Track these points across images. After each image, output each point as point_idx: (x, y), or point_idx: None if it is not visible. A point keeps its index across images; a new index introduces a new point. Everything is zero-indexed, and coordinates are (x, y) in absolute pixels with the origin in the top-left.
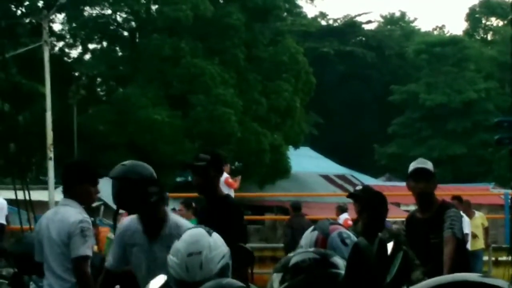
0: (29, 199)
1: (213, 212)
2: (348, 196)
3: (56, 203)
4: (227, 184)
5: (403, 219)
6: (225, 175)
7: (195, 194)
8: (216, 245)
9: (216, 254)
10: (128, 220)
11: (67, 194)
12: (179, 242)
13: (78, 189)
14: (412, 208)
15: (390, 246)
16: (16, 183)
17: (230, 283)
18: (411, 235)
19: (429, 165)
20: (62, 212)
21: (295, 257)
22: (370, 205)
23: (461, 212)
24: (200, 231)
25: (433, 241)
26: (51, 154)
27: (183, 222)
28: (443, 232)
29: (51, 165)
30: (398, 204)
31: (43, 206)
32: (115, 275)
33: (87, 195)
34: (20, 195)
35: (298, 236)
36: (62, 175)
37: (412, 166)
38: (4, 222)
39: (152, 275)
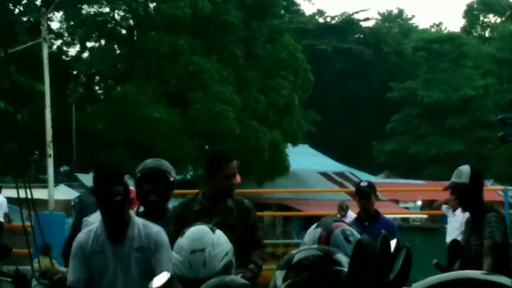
0: (31, 197)
1: None
2: (356, 193)
3: (56, 201)
4: None
5: (402, 215)
6: None
7: (194, 190)
8: (219, 242)
9: (219, 251)
10: (84, 232)
11: None
12: (182, 239)
13: None
14: (411, 205)
15: (393, 243)
16: (18, 182)
17: (233, 280)
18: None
19: (463, 176)
20: None
21: (298, 254)
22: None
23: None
24: (204, 228)
25: (472, 243)
26: (50, 151)
27: (149, 223)
28: (484, 239)
29: (50, 162)
30: (397, 201)
31: (43, 204)
32: None
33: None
34: (22, 193)
35: None
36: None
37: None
38: (2, 219)
39: (119, 279)
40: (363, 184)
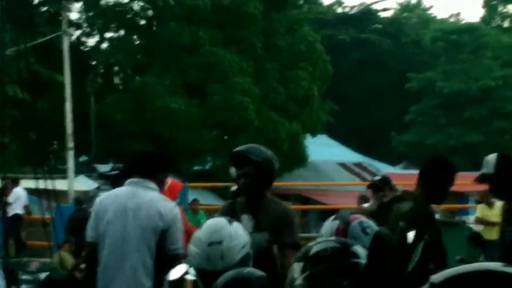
0: (52, 188)
1: None
2: (368, 187)
3: (76, 192)
4: None
5: None
6: None
7: (213, 184)
8: (237, 234)
9: (237, 244)
10: None
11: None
12: (200, 231)
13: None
14: None
15: (411, 235)
16: (37, 172)
17: (251, 272)
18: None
19: (488, 166)
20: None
21: (316, 246)
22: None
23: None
24: (221, 220)
25: (507, 233)
26: (71, 144)
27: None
28: None
29: (71, 154)
30: None
31: (63, 195)
32: None
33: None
34: (41, 184)
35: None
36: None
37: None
38: (20, 212)
39: None
40: (376, 178)
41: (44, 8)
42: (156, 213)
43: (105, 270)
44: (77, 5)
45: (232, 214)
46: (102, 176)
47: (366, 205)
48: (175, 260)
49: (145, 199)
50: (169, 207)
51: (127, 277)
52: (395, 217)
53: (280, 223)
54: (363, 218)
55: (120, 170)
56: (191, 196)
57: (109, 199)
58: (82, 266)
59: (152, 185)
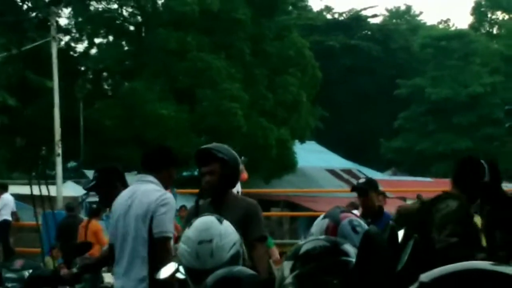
0: (47, 194)
1: None
2: (352, 190)
3: (64, 198)
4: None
5: None
6: None
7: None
8: (227, 233)
9: (227, 242)
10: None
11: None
12: (189, 229)
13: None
14: None
15: (401, 233)
16: (31, 178)
17: (241, 271)
18: None
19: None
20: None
21: (305, 245)
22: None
23: None
24: (211, 219)
25: (497, 235)
26: (59, 150)
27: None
28: None
29: (59, 161)
30: (403, 198)
31: (51, 201)
32: None
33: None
34: (35, 190)
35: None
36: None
37: None
38: (9, 218)
39: None
40: (360, 181)
41: (33, 14)
42: (145, 202)
43: (115, 268)
44: (66, 11)
45: (197, 215)
46: (86, 189)
47: (355, 211)
48: (160, 243)
49: (139, 192)
50: (158, 195)
51: (127, 269)
52: (443, 216)
53: (246, 218)
54: (353, 217)
55: (97, 180)
56: (179, 202)
57: (118, 200)
58: (73, 270)
59: (151, 178)
